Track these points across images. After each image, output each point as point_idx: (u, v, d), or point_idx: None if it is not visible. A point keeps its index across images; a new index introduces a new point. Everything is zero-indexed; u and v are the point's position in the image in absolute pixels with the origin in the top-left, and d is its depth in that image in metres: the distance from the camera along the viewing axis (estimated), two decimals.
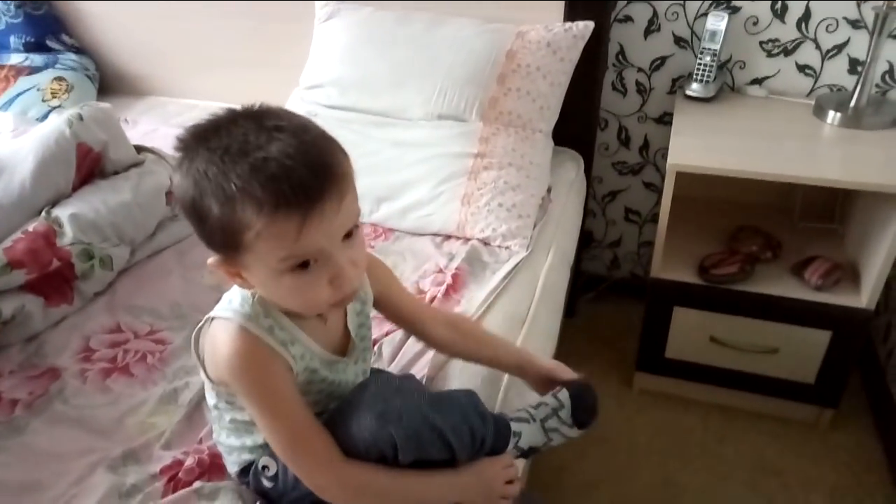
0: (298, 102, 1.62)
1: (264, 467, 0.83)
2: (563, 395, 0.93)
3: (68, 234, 1.17)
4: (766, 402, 1.58)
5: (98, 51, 1.99)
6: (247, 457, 0.85)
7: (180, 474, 0.87)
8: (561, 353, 1.68)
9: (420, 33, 1.54)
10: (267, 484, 0.83)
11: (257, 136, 0.65)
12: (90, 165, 1.30)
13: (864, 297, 1.39)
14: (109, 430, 0.98)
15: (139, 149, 1.41)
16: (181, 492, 0.85)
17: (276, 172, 0.64)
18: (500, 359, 0.99)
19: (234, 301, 0.77)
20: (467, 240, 1.37)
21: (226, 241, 0.68)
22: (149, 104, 1.95)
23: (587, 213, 1.91)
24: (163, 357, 1.10)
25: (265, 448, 0.83)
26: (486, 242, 1.36)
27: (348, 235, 0.71)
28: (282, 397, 0.75)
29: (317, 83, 1.62)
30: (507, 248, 1.35)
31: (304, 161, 0.65)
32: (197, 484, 0.86)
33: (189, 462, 0.89)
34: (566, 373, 0.96)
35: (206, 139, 0.67)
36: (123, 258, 1.25)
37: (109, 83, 2.02)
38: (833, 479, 1.46)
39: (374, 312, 0.92)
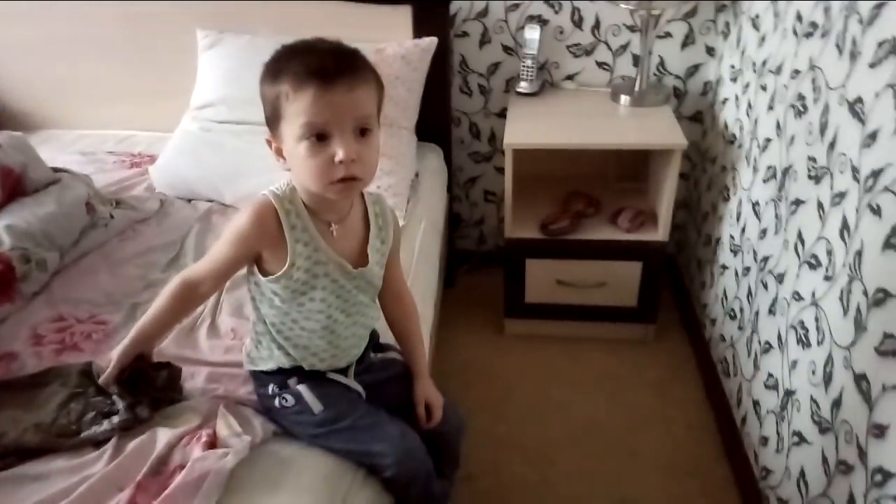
0: (191, 122, 1.84)
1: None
2: None
3: (6, 242, 1.34)
4: (604, 327, 2.00)
5: None
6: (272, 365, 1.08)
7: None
8: (445, 317, 2.03)
9: None
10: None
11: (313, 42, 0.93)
12: (12, 185, 1.47)
13: (661, 232, 1.83)
14: None
15: (54, 170, 1.58)
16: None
17: (307, 55, 0.90)
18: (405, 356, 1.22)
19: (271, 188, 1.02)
20: None
21: (273, 114, 0.93)
22: (42, 137, 2.05)
23: (454, 198, 2.26)
24: (107, 332, 1.30)
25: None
26: None
27: (363, 135, 0.91)
28: (227, 242, 1.00)
29: (207, 103, 1.85)
30: None
31: (332, 51, 0.91)
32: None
33: None
34: (433, 409, 1.16)
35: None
36: (55, 261, 1.43)
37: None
38: (658, 375, 1.89)
39: None
